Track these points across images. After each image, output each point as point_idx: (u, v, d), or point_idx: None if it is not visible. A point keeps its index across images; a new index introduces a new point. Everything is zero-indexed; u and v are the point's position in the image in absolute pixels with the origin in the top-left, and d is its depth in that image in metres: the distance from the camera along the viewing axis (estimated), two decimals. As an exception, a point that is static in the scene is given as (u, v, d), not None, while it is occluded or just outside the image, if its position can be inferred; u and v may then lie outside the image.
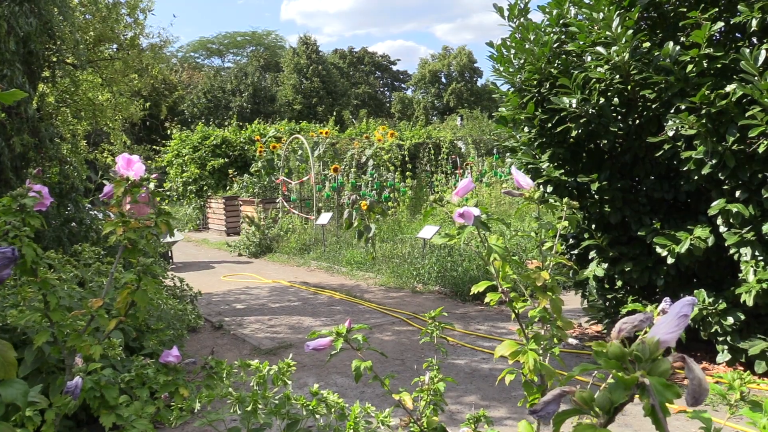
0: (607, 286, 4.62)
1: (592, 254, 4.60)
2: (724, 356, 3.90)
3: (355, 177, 10.44)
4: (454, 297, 6.65)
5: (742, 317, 3.74)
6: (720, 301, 3.82)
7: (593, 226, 4.52)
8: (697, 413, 1.13)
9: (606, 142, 4.31)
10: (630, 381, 0.61)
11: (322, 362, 4.46)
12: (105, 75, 7.79)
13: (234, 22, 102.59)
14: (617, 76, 3.96)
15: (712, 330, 3.87)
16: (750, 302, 3.52)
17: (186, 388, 1.53)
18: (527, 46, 4.32)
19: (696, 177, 3.78)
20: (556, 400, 0.71)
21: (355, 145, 11.46)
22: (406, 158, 13.11)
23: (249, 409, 1.65)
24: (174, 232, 1.45)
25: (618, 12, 3.80)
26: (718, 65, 3.64)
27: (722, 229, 3.75)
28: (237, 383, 1.79)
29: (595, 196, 4.39)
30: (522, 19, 4.37)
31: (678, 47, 3.68)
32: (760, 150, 3.39)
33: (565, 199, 1.66)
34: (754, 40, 3.79)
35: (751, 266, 3.60)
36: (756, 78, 3.28)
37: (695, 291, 3.96)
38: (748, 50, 3.32)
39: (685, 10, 3.90)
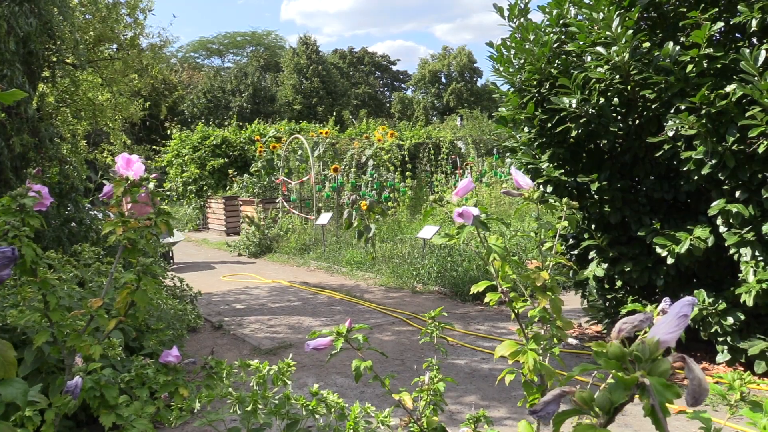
0: (607, 286, 4.62)
1: (592, 254, 4.60)
2: (723, 356, 3.90)
3: (355, 177, 10.45)
4: (453, 297, 6.65)
5: (742, 317, 3.74)
6: (720, 302, 3.82)
7: (593, 226, 4.52)
8: (696, 413, 1.13)
9: (606, 142, 4.31)
10: (630, 381, 0.61)
11: (322, 362, 4.46)
12: (105, 75, 7.79)
13: (234, 22, 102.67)
14: (617, 76, 3.96)
15: (712, 330, 3.87)
16: (750, 302, 3.52)
17: (186, 388, 1.53)
18: (527, 46, 4.32)
19: (696, 177, 3.78)
20: (555, 400, 0.71)
21: (355, 145, 11.46)
22: (406, 158, 13.11)
23: (249, 409, 1.65)
24: (174, 232, 1.45)
25: (618, 12, 3.80)
26: (718, 65, 3.64)
27: (722, 229, 3.75)
28: (237, 383, 1.79)
29: (595, 196, 4.39)
30: (522, 19, 4.37)
31: (678, 47, 3.68)
32: (760, 150, 3.39)
33: (565, 199, 1.66)
34: (754, 40, 3.79)
35: (751, 266, 3.60)
36: (756, 78, 3.28)
37: (695, 291, 3.96)
38: (748, 50, 3.32)
39: (685, 10, 3.90)
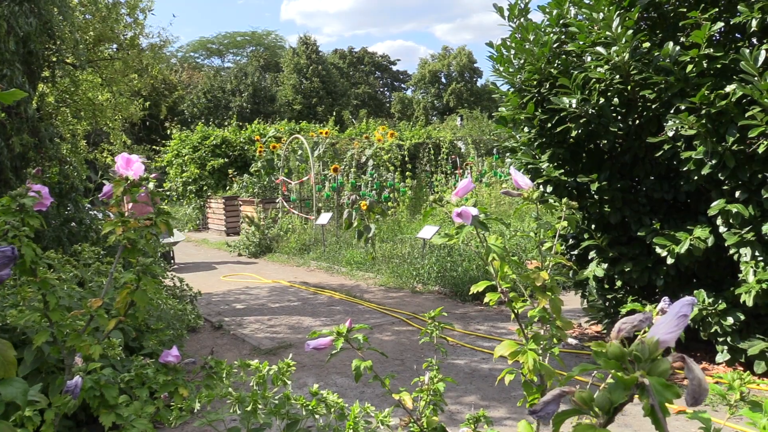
0: (606, 286, 4.62)
1: (592, 254, 4.60)
2: (723, 356, 3.90)
3: (354, 177, 10.45)
4: (453, 297, 6.65)
5: (742, 317, 3.74)
6: (720, 302, 3.82)
7: (593, 227, 4.52)
8: (696, 413, 1.13)
9: (606, 142, 4.31)
10: (629, 381, 0.61)
11: (321, 362, 4.46)
12: (105, 75, 7.79)
13: (234, 22, 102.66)
14: (617, 77, 3.96)
15: (712, 330, 3.87)
16: (750, 302, 3.52)
17: (186, 387, 1.53)
18: (527, 46, 4.32)
19: (696, 177, 3.78)
20: (555, 400, 0.71)
21: (354, 145, 11.46)
22: (406, 158, 13.11)
23: (249, 409, 1.65)
24: (174, 232, 1.45)
25: (618, 12, 3.80)
26: (718, 65, 3.64)
27: (722, 229, 3.75)
28: (237, 383, 1.79)
29: (595, 197, 4.39)
30: (522, 19, 4.37)
31: (678, 47, 3.68)
32: (760, 150, 3.39)
33: (564, 200, 1.66)
34: (754, 40, 3.79)
35: (751, 266, 3.60)
36: (756, 78, 3.28)
37: (695, 291, 3.96)
38: (747, 50, 3.32)
39: (685, 10, 3.90)
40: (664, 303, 1.15)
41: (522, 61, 4.44)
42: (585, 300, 4.97)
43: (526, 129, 4.59)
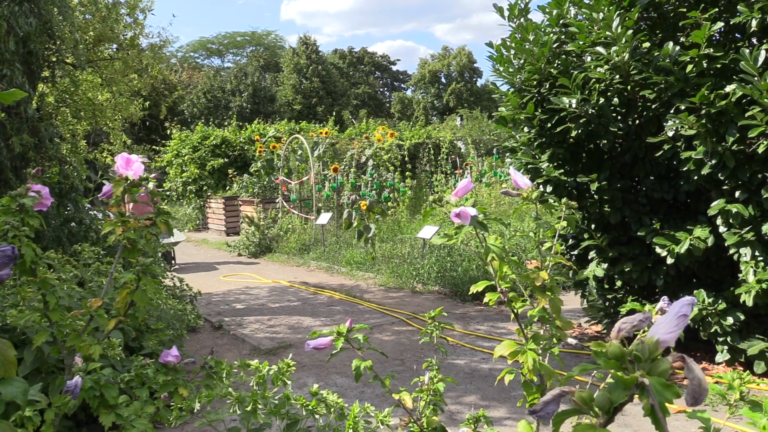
0: (606, 286, 4.62)
1: (592, 254, 4.60)
2: (723, 356, 3.90)
3: (354, 177, 10.44)
4: (453, 297, 6.65)
5: (742, 317, 3.74)
6: (720, 301, 3.82)
7: (593, 227, 4.52)
8: (696, 413, 1.13)
9: (606, 142, 4.31)
10: (629, 381, 0.61)
11: (321, 362, 4.46)
12: (105, 75, 7.79)
13: (234, 22, 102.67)
14: (617, 76, 3.96)
15: (712, 330, 3.87)
16: (750, 302, 3.52)
17: (185, 388, 1.53)
18: (527, 46, 4.32)
19: (696, 177, 3.78)
20: (555, 400, 0.71)
21: (354, 145, 11.46)
22: (406, 158, 13.11)
23: (249, 409, 1.65)
24: (174, 232, 1.45)
25: (618, 12, 3.80)
26: (718, 65, 3.64)
27: (722, 229, 3.75)
28: (237, 383, 1.79)
29: (595, 196, 4.39)
30: (522, 19, 4.37)
31: (678, 47, 3.68)
32: (760, 150, 3.39)
33: (564, 200, 1.66)
34: (754, 40, 3.79)
35: (751, 266, 3.60)
36: (756, 78, 3.28)
37: (695, 291, 3.96)
38: (747, 50, 3.32)
39: (684, 10, 3.90)
40: (664, 302, 1.15)
41: (522, 61, 4.45)
42: (585, 300, 4.97)
43: (525, 129, 4.59)
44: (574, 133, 4.17)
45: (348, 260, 8.74)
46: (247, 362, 1.76)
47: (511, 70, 4.49)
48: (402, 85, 53.24)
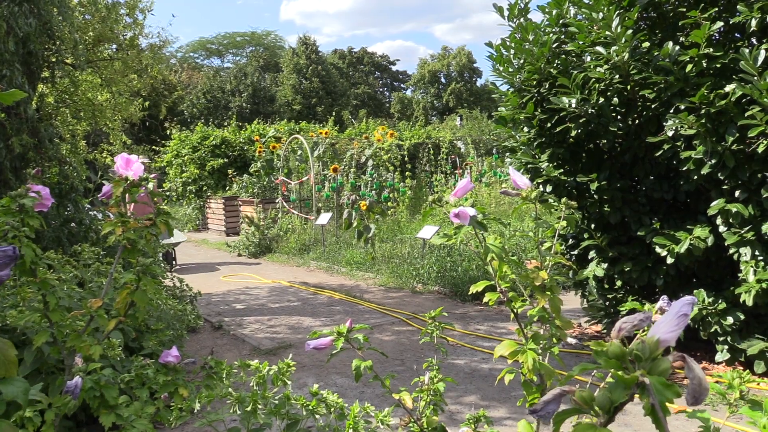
0: (606, 286, 4.62)
1: (592, 254, 4.60)
2: (723, 356, 3.90)
3: (354, 177, 10.44)
4: (453, 297, 6.65)
5: (742, 317, 3.74)
6: (720, 301, 3.83)
7: (593, 226, 4.52)
8: (696, 412, 1.14)
9: (605, 142, 4.31)
10: (630, 380, 0.61)
11: (321, 362, 4.46)
12: (104, 75, 7.79)
13: (233, 23, 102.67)
14: (617, 76, 3.96)
15: (712, 330, 3.88)
16: (750, 302, 3.52)
17: (186, 388, 1.53)
18: (527, 46, 4.32)
19: (695, 177, 3.78)
20: (555, 400, 0.71)
21: (354, 146, 11.46)
22: (406, 158, 13.11)
23: (249, 409, 1.65)
24: (175, 233, 1.45)
25: (617, 12, 3.80)
26: (718, 65, 3.64)
27: (722, 229, 3.75)
28: (237, 383, 1.79)
29: (595, 196, 4.39)
30: (521, 19, 4.37)
31: (677, 47, 3.68)
32: (760, 150, 3.39)
33: (564, 199, 1.66)
34: (754, 40, 3.79)
35: (751, 266, 3.60)
36: (755, 78, 3.28)
37: (695, 291, 3.96)
38: (747, 50, 3.32)
39: (684, 10, 3.90)
40: (663, 302, 1.15)
41: (521, 61, 4.45)
42: (585, 300, 4.97)
43: (525, 129, 4.59)
44: (573, 133, 4.17)
45: (348, 260, 8.74)
46: (247, 362, 1.77)
47: (510, 69, 4.49)
48: (402, 85, 53.25)
